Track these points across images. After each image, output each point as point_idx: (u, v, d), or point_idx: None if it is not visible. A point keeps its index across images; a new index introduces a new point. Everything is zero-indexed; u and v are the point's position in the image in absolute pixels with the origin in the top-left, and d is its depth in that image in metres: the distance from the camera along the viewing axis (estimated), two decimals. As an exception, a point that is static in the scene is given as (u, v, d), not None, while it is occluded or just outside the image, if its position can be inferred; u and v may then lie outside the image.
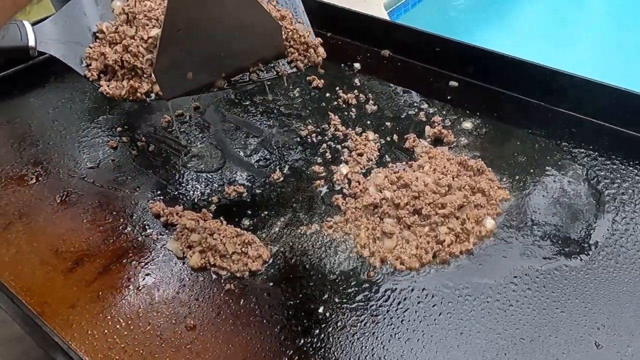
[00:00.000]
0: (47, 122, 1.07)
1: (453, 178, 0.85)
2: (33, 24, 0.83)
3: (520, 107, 1.06)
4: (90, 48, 0.86)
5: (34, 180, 0.94)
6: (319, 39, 0.95)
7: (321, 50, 0.94)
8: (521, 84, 1.06)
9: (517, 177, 0.91)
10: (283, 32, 0.90)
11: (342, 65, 1.20)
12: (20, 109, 1.11)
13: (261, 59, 0.89)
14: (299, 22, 0.94)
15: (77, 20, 0.88)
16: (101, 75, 0.85)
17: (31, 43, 0.82)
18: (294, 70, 0.93)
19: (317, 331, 0.70)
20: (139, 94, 0.83)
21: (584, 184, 0.89)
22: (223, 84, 0.87)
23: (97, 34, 0.88)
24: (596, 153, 0.94)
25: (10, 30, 0.81)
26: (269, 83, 1.01)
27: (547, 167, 0.92)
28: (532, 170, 0.92)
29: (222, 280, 0.76)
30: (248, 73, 0.89)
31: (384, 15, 2.37)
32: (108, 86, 0.83)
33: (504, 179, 0.90)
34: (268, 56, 0.90)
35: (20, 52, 0.83)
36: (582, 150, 0.95)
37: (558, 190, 0.88)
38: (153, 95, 0.84)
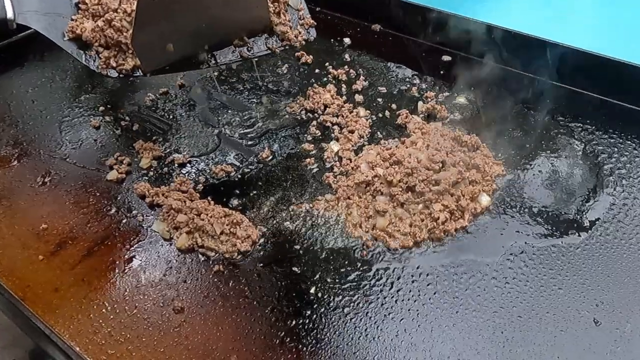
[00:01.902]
0: (27, 102, 1.03)
1: (447, 154, 0.83)
2: None
3: (515, 81, 1.03)
4: (73, 20, 0.83)
5: (14, 162, 0.90)
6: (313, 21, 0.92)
7: (313, 31, 0.91)
8: (516, 57, 1.03)
9: (512, 153, 0.88)
10: (271, 5, 0.86)
11: (332, 40, 1.17)
12: (-1, 89, 1.07)
13: (246, 31, 0.86)
14: None
15: None
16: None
17: (9, 15, 0.78)
18: (287, 46, 0.90)
19: (308, 312, 0.68)
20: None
21: (581, 159, 0.87)
22: (208, 58, 0.84)
23: (79, 5, 0.84)
24: (593, 127, 0.92)
25: None
26: (256, 60, 0.98)
27: (543, 142, 0.90)
28: (528, 145, 0.90)
29: (211, 262, 0.74)
30: (236, 49, 0.86)
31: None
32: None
33: (500, 155, 0.88)
34: (253, 29, 0.87)
35: None
36: (579, 124, 0.93)
37: (555, 165, 0.86)
38: (140, 72, 0.81)
